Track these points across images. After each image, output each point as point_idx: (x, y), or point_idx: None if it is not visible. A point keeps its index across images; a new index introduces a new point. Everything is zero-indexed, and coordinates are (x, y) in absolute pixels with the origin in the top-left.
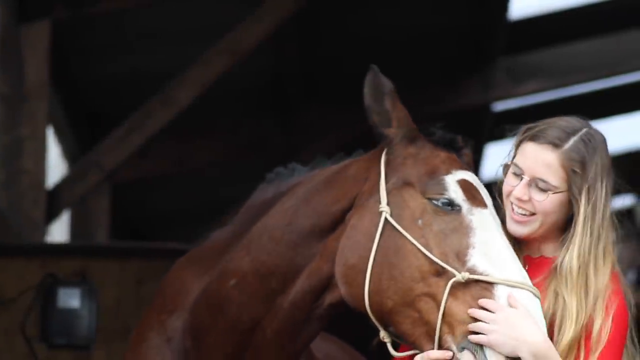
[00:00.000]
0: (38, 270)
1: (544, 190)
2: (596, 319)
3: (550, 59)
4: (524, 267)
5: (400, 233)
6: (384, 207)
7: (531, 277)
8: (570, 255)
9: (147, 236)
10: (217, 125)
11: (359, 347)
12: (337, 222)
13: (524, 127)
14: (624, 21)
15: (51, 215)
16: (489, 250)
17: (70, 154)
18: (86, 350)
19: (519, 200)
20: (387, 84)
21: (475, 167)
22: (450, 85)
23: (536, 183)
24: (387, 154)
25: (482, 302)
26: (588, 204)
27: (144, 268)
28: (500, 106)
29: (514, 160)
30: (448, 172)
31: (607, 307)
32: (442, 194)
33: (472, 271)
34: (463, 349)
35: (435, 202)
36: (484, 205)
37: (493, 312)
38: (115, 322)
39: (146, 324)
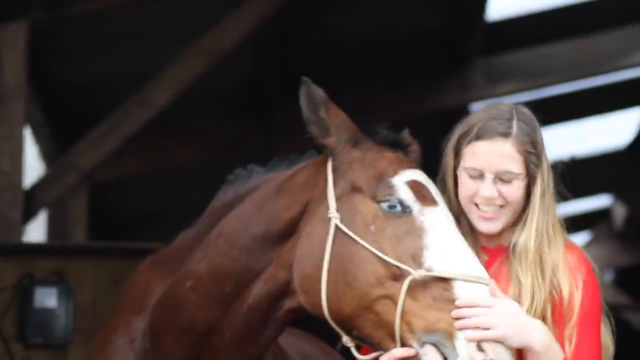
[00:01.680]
0: (15, 270)
1: (510, 181)
2: (563, 290)
3: (527, 60)
4: (483, 258)
5: (353, 239)
6: (334, 214)
7: (489, 267)
8: (528, 235)
9: (125, 236)
10: (196, 126)
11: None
12: (290, 229)
13: (456, 133)
14: (600, 23)
15: (28, 215)
16: (444, 249)
17: (48, 154)
18: (62, 350)
19: (490, 199)
20: (320, 93)
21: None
22: (428, 86)
23: (500, 177)
24: (332, 160)
25: (470, 299)
26: (542, 181)
27: (121, 268)
28: (477, 107)
29: (466, 165)
30: (396, 174)
31: (573, 277)
32: (392, 197)
33: (429, 271)
34: (424, 344)
35: (385, 206)
36: (435, 204)
37: (488, 307)
38: (92, 322)
39: (112, 325)
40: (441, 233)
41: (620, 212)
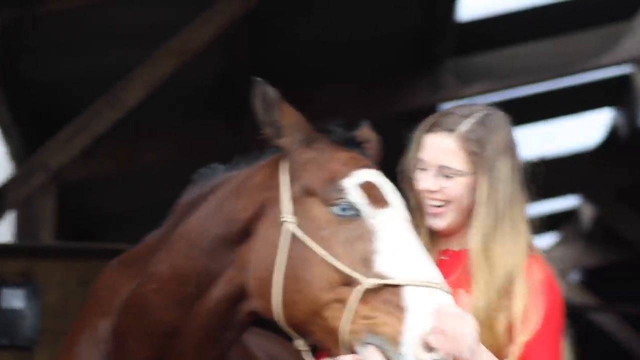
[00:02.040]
0: None
1: (450, 177)
2: (515, 300)
3: (497, 60)
4: (440, 259)
5: (306, 244)
6: (288, 217)
7: (452, 271)
8: (475, 236)
9: (94, 237)
10: (166, 126)
11: None
12: (248, 231)
13: (421, 126)
14: (569, 24)
15: None
16: (395, 252)
17: (17, 154)
18: (29, 352)
19: (430, 192)
20: (273, 93)
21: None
22: (399, 87)
23: (442, 171)
24: (288, 160)
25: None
26: (488, 182)
27: (90, 269)
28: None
29: (417, 157)
30: (348, 175)
31: (533, 289)
32: (343, 200)
33: (380, 276)
34: (367, 344)
35: (337, 209)
36: (387, 205)
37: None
38: (59, 323)
39: (79, 326)
40: (393, 236)
41: (588, 213)
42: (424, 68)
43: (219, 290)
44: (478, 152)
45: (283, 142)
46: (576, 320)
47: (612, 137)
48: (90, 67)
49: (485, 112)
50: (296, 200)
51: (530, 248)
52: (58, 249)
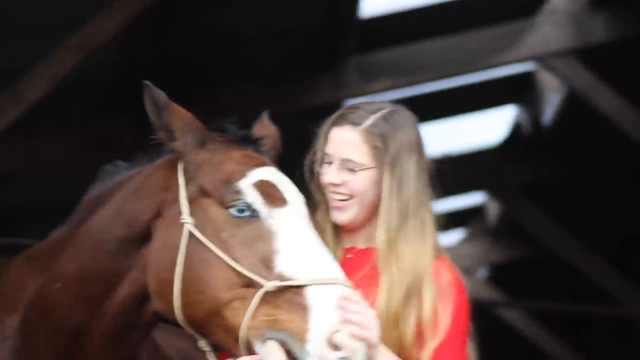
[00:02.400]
0: None
1: (353, 170)
2: (424, 301)
3: (400, 57)
4: (345, 258)
5: (205, 246)
6: (186, 218)
7: (357, 269)
8: (380, 232)
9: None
10: (69, 122)
11: None
12: (149, 232)
13: (328, 118)
14: (472, 21)
15: None
16: (294, 251)
17: None
18: None
19: (333, 184)
20: (162, 96)
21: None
22: (302, 83)
23: (345, 165)
24: (183, 161)
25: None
26: (392, 178)
27: None
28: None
29: (323, 150)
30: (243, 176)
31: (441, 292)
32: (239, 202)
33: (281, 277)
34: (267, 340)
35: (233, 212)
36: (285, 203)
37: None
38: None
39: None
40: (291, 235)
41: (494, 209)
42: (328, 65)
43: (123, 291)
44: (381, 147)
45: (176, 145)
46: (484, 316)
47: (516, 134)
48: None
49: (391, 109)
50: (193, 202)
51: (437, 249)
52: None
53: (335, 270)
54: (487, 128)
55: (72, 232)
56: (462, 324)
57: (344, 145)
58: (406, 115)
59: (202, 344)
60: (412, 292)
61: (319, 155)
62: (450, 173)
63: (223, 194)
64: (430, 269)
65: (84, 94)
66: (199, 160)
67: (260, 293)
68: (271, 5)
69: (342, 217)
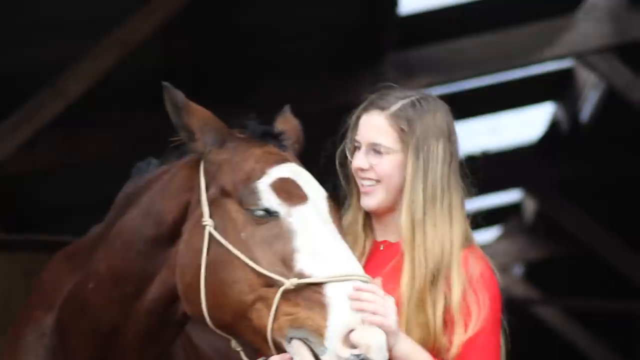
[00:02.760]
0: None
1: (381, 154)
2: (453, 289)
3: (440, 54)
4: (378, 250)
5: (226, 248)
6: (207, 220)
7: (387, 262)
8: (403, 212)
9: (37, 229)
10: (108, 118)
11: None
12: (176, 232)
13: (359, 106)
14: (512, 18)
15: None
16: (314, 249)
17: None
18: None
19: (361, 169)
20: (180, 97)
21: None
22: (340, 80)
23: (373, 149)
24: (204, 161)
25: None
26: (417, 161)
27: (33, 261)
28: None
29: (355, 137)
30: (262, 174)
31: (471, 283)
32: (257, 203)
33: (300, 276)
34: (291, 339)
35: (252, 212)
36: (304, 200)
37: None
38: (3, 316)
39: (23, 320)
40: (311, 233)
41: (530, 207)
42: (367, 61)
43: (155, 291)
44: (407, 131)
45: (196, 145)
46: (519, 314)
47: (554, 131)
48: (33, 59)
49: (421, 95)
50: (214, 203)
51: (467, 239)
52: (1, 241)
53: (353, 266)
54: (525, 125)
55: (106, 230)
56: (495, 316)
57: (371, 129)
58: (437, 102)
59: (234, 343)
60: (439, 277)
61: (349, 143)
62: (487, 170)
63: (242, 195)
64: (458, 255)
65: (123, 91)
66: (220, 160)
67: (280, 291)
68: (310, 3)
69: (370, 201)
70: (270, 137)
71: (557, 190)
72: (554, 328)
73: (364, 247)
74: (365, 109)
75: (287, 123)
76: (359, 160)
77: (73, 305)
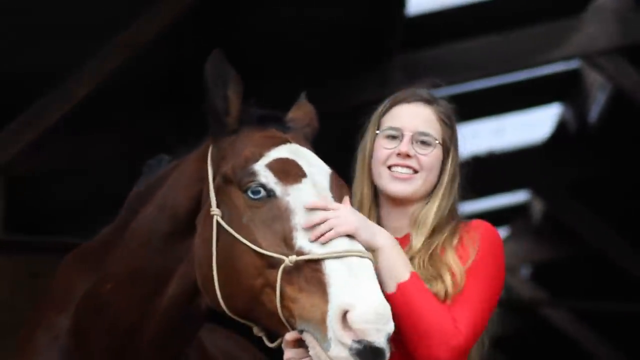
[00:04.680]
0: None
1: (427, 144)
2: (447, 253)
3: (446, 55)
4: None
5: (232, 235)
6: (215, 210)
7: None
8: (430, 208)
9: (44, 230)
10: (115, 120)
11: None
12: (191, 225)
13: (380, 107)
14: (518, 19)
15: None
16: (312, 225)
17: None
18: None
19: (406, 155)
20: (232, 71)
21: None
22: (347, 81)
23: (418, 138)
24: (212, 148)
25: (312, 204)
26: (455, 159)
27: (39, 262)
28: None
29: (385, 126)
30: (260, 157)
31: (466, 229)
32: (254, 183)
33: (299, 253)
34: (302, 331)
35: (250, 194)
36: (300, 179)
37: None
38: (9, 316)
39: (34, 322)
40: (308, 210)
41: (538, 207)
42: (372, 63)
43: (176, 286)
44: (449, 126)
45: (229, 119)
46: (526, 315)
47: (561, 132)
48: (39, 61)
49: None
50: (219, 191)
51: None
52: (6, 242)
53: (351, 240)
54: (532, 126)
55: (120, 229)
56: (488, 249)
57: (419, 118)
58: (446, 102)
59: (256, 330)
60: (435, 234)
61: (371, 133)
62: (494, 171)
63: (241, 178)
64: (457, 236)
65: (129, 93)
66: (225, 145)
67: (280, 270)
68: (317, 4)
69: (404, 188)
70: (271, 121)
71: (565, 191)
72: (562, 329)
73: None
74: (405, 100)
75: (300, 108)
76: (404, 146)
77: (90, 306)
